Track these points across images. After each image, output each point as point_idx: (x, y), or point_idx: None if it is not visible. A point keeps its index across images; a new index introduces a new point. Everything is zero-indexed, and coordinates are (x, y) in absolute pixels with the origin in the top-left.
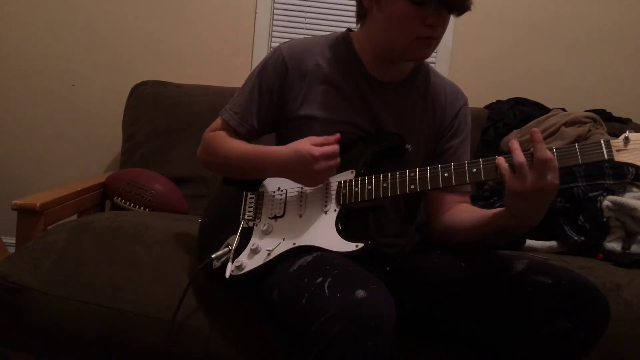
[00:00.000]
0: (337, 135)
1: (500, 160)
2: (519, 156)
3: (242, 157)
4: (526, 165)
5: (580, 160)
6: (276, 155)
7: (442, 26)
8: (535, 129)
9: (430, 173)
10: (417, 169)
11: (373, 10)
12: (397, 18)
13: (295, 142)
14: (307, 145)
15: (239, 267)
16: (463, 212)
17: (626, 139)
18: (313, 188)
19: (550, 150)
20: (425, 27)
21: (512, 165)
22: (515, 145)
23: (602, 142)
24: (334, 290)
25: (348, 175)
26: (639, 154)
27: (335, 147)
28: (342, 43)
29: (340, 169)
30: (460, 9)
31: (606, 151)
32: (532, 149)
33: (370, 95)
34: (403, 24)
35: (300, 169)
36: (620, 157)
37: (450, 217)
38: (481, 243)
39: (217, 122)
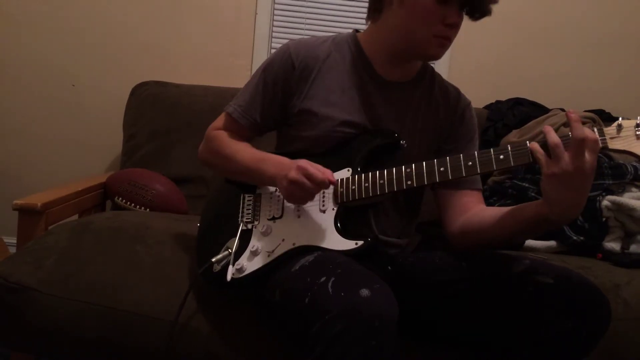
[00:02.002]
0: (335, 180)
1: (534, 144)
2: (554, 137)
3: (244, 163)
4: (561, 145)
5: None
6: (276, 157)
7: (457, 28)
8: (571, 110)
9: (426, 168)
10: (413, 165)
11: (393, 4)
12: (419, 13)
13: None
14: (305, 160)
15: (240, 270)
16: (486, 210)
17: (619, 127)
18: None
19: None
20: (444, 26)
21: (546, 148)
22: (547, 128)
23: (595, 130)
24: (338, 290)
25: (344, 174)
26: (632, 140)
27: (323, 177)
28: (349, 42)
29: (337, 168)
30: (481, 12)
31: (600, 139)
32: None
33: (375, 94)
34: (423, 20)
35: (284, 170)
36: (614, 145)
37: (472, 218)
38: (512, 239)
39: (221, 118)
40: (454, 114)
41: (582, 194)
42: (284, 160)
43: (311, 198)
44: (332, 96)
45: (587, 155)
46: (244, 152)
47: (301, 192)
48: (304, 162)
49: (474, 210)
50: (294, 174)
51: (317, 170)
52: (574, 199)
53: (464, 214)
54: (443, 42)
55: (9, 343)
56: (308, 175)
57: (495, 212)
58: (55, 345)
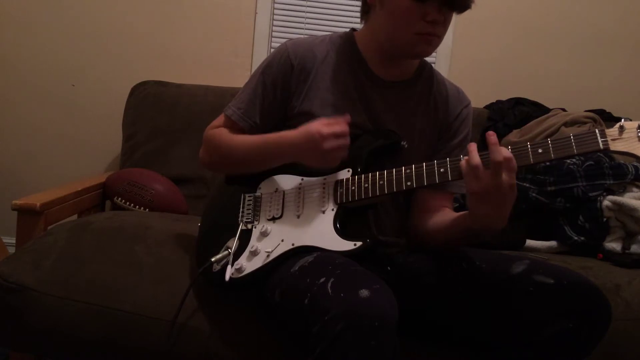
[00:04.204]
0: (348, 117)
1: (463, 162)
2: (473, 158)
3: (249, 147)
4: (481, 166)
5: (575, 151)
6: (286, 138)
7: (444, 24)
8: (490, 132)
9: (426, 169)
10: (413, 165)
11: (376, 6)
12: (399, 13)
13: (306, 124)
14: (316, 124)
15: (239, 270)
16: (439, 215)
17: (621, 128)
18: (316, 180)
19: (508, 148)
20: (426, 23)
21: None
22: (471, 147)
23: (597, 131)
24: (337, 290)
25: (345, 174)
26: (634, 142)
27: (344, 127)
28: (346, 42)
29: (337, 168)
30: (461, 7)
31: (601, 141)
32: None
33: (373, 94)
34: (404, 19)
35: (311, 148)
36: (615, 146)
37: (428, 220)
38: (447, 245)
39: (219, 119)
40: (452, 113)
41: (502, 210)
42: (290, 134)
43: (347, 142)
44: (331, 97)
45: (504, 175)
46: (245, 138)
47: (339, 152)
48: (321, 127)
49: (433, 211)
50: (328, 145)
51: (335, 126)
52: (493, 214)
53: (426, 213)
54: (428, 39)
55: (8, 343)
56: (335, 135)
57: (445, 216)
58: (54, 345)
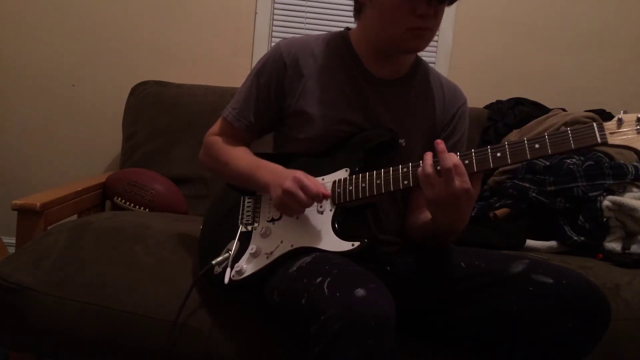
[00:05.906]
0: (329, 194)
1: (420, 170)
2: (424, 167)
3: (241, 171)
4: (432, 175)
5: (572, 146)
6: (271, 165)
7: (435, 17)
8: (438, 140)
9: None
10: (410, 164)
11: (367, 5)
12: (388, 9)
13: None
14: (301, 172)
15: (239, 272)
16: (419, 213)
17: (620, 121)
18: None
19: (462, 155)
20: (416, 17)
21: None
22: (425, 156)
23: (594, 125)
24: (333, 290)
25: (342, 174)
26: (634, 135)
27: (317, 190)
28: (340, 41)
29: (335, 168)
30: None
31: (599, 134)
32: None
33: (368, 92)
34: (393, 15)
35: (279, 179)
36: (613, 140)
37: (413, 216)
38: (426, 243)
39: (218, 122)
40: (449, 111)
41: (459, 214)
42: (279, 168)
43: (302, 211)
44: (326, 95)
45: (456, 181)
46: (241, 158)
47: (293, 203)
48: (300, 174)
49: (421, 209)
50: (289, 184)
51: (312, 183)
52: (452, 218)
53: (415, 210)
54: (419, 33)
55: (8, 343)
56: (303, 187)
57: (421, 215)
58: (53, 345)
